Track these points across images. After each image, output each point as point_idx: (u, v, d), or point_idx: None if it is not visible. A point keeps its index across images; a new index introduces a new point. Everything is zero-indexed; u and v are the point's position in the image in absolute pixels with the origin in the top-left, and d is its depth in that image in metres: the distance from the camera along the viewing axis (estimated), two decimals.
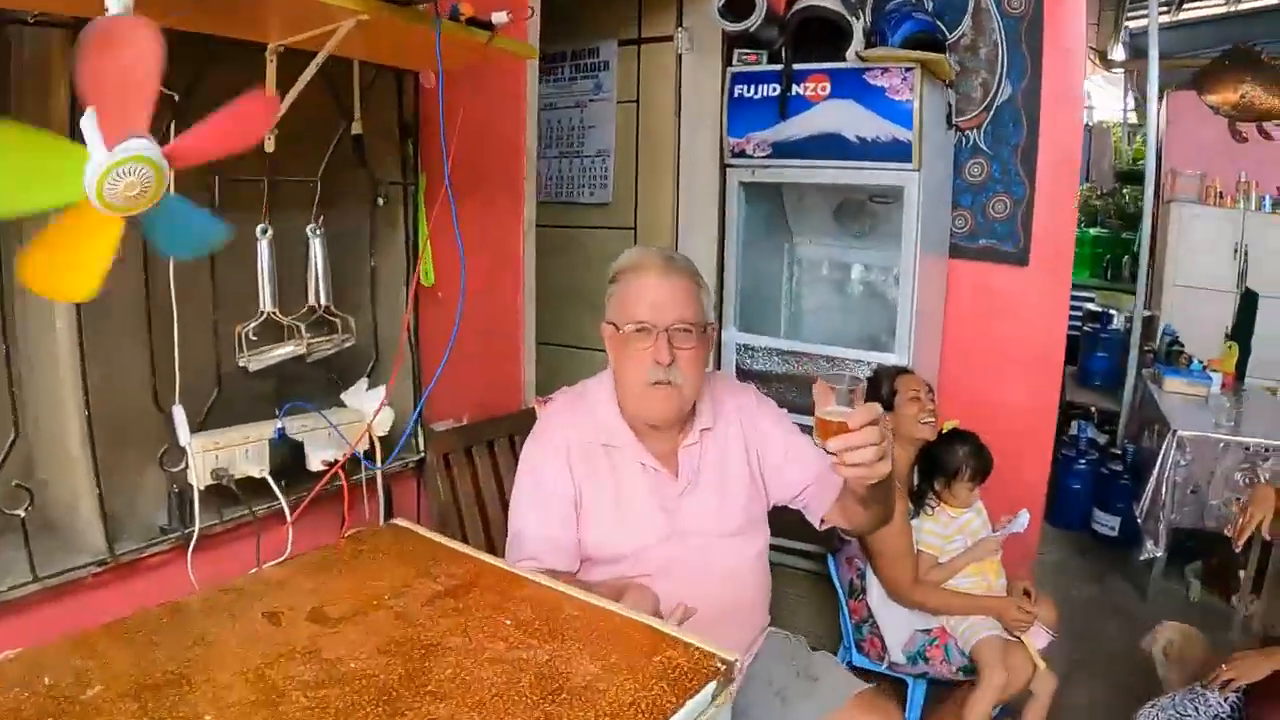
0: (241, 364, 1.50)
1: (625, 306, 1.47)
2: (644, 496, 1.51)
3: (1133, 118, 6.54)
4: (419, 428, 1.85)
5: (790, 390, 2.71)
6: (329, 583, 1.24)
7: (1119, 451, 3.90)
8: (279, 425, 1.54)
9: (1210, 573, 3.30)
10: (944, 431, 2.21)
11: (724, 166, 2.77)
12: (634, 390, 1.47)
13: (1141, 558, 3.10)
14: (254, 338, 1.51)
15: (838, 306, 3.03)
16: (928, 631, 2.12)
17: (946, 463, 2.17)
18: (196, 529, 1.44)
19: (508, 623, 1.13)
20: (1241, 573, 3.11)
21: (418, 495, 1.94)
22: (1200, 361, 3.83)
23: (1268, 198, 4.65)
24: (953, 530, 2.17)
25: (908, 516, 2.12)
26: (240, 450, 1.50)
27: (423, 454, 1.86)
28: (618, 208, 2.95)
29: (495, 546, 1.86)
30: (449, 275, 1.89)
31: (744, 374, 2.78)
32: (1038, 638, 2.07)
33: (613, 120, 2.95)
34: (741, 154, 2.71)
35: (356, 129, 1.66)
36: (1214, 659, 2.01)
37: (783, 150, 2.64)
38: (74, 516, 1.37)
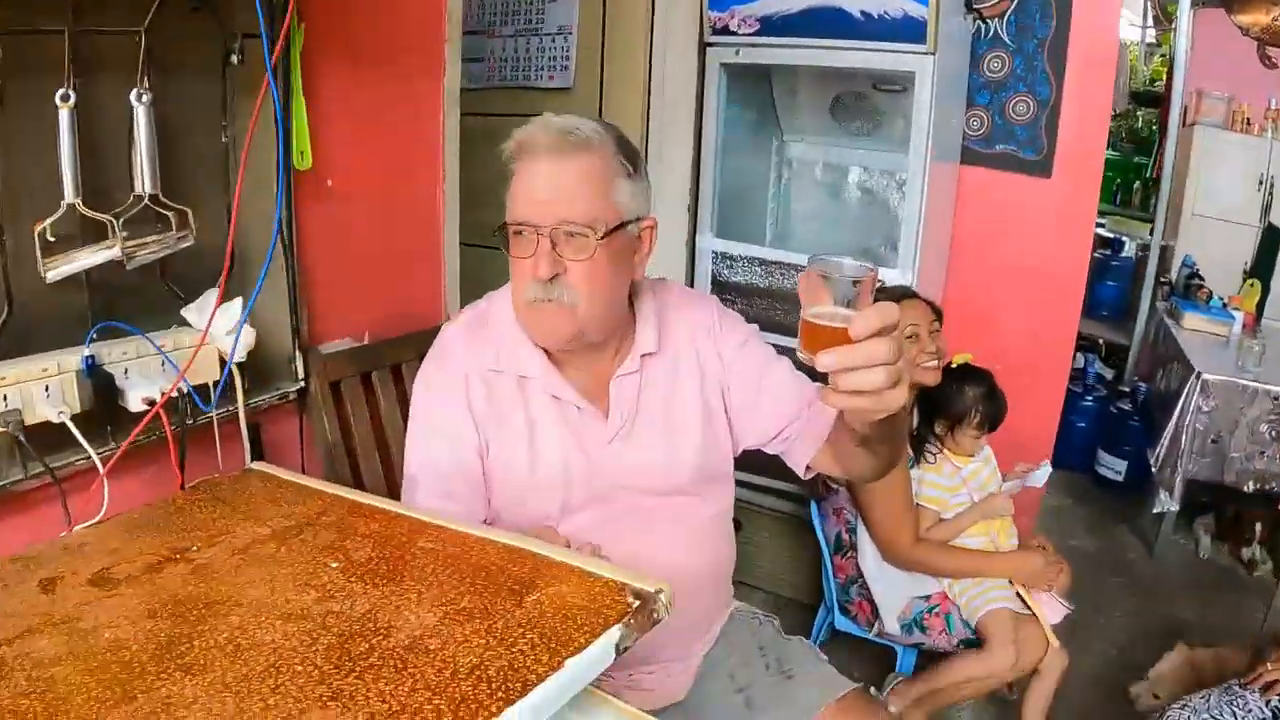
0: (41, 274, 1.14)
1: (512, 200, 1.10)
2: (562, 442, 1.16)
3: (1150, 35, 6.08)
4: (296, 350, 1.47)
5: (774, 307, 2.36)
6: (138, 541, 1.00)
7: (1128, 390, 3.62)
8: (87, 353, 1.18)
9: (1222, 528, 3.05)
10: (953, 366, 1.85)
11: (704, 46, 2.36)
12: (517, 308, 1.14)
13: (1154, 510, 2.83)
14: (53, 239, 1.15)
15: (832, 214, 2.65)
16: (926, 598, 1.82)
17: (954, 405, 1.82)
18: None
19: (333, 566, 0.91)
20: (1259, 524, 2.87)
21: (300, 437, 1.57)
22: (1220, 298, 3.51)
23: None
24: (957, 482, 1.85)
25: (907, 465, 1.79)
26: (38, 387, 1.15)
27: (303, 383, 1.49)
28: (580, 93, 2.54)
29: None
30: (342, 160, 1.52)
31: (721, 286, 2.46)
32: (1052, 612, 1.77)
33: None
34: (724, 30, 2.29)
35: None
36: (1234, 652, 1.77)
37: (773, 27, 2.22)
38: None
